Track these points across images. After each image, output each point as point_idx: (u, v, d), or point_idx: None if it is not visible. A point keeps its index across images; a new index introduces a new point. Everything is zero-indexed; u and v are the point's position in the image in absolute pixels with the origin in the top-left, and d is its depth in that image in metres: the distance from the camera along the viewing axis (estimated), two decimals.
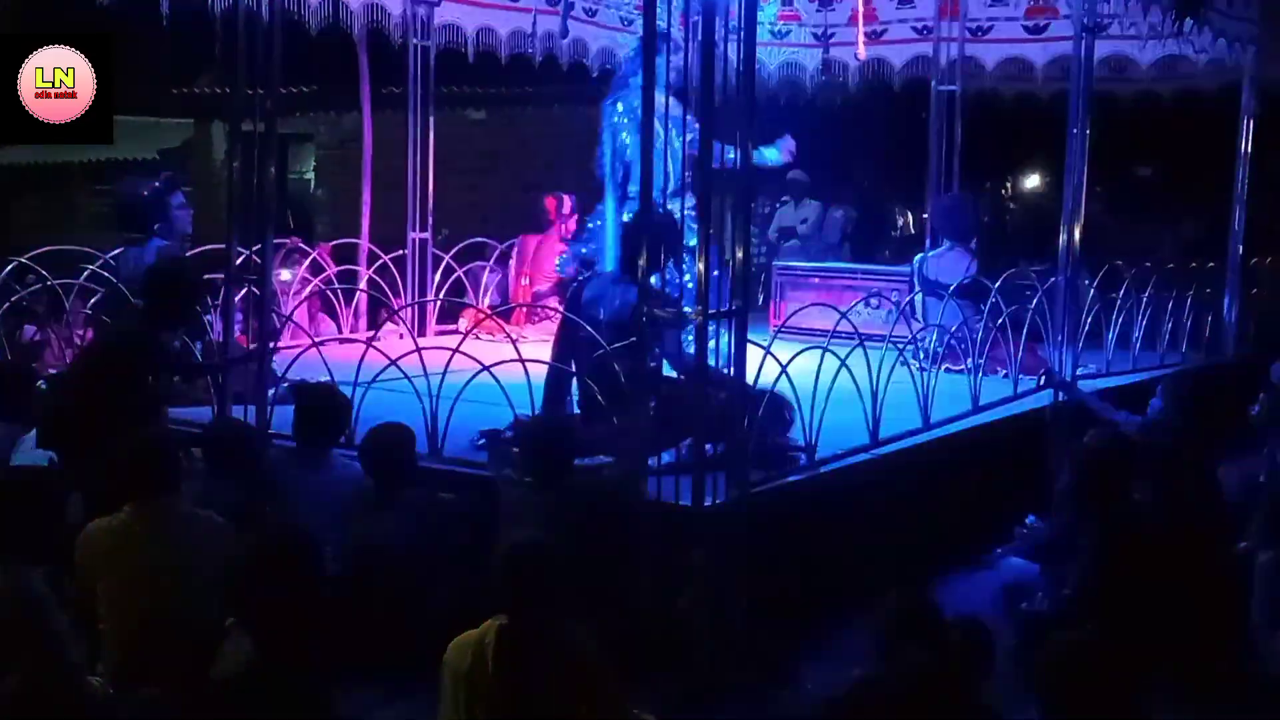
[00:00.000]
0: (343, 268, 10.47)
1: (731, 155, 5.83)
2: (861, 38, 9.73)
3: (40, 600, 4.31)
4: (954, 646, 4.41)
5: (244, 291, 7.43)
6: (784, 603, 6.00)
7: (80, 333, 8.27)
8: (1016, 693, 4.66)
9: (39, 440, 6.11)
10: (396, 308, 9.65)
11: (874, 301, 9.67)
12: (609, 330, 6.39)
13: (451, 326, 10.29)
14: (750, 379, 5.88)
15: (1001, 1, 11.02)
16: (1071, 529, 6.11)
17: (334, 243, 11.01)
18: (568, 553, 4.42)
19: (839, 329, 7.18)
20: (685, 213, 6.31)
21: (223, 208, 7.43)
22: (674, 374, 6.24)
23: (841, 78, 11.88)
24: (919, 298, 9.38)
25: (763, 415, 5.94)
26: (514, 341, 6.95)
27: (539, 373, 6.60)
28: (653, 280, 5.88)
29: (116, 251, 8.44)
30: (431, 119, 10.54)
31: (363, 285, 10.24)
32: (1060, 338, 8.31)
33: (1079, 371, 8.49)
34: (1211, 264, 11.17)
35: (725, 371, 5.80)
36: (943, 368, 7.77)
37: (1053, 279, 8.44)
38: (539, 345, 8.23)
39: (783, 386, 6.23)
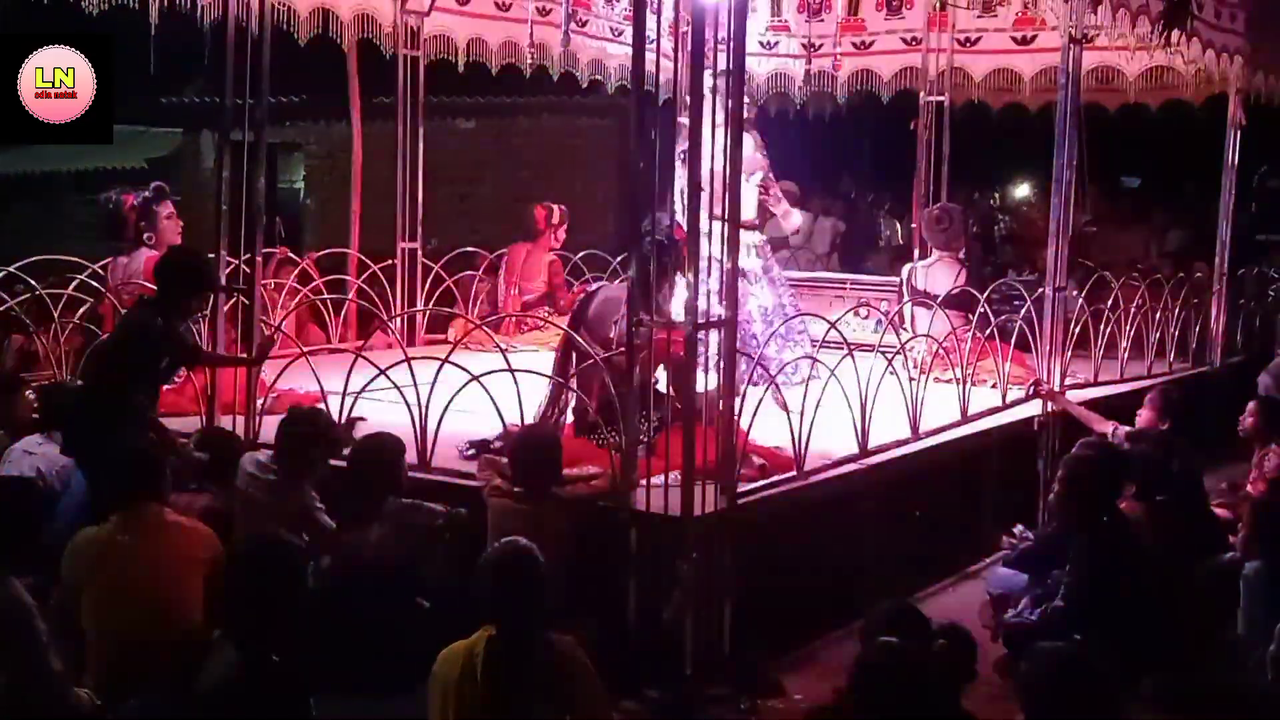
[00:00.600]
0: (332, 277, 10.46)
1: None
2: (837, 50, 9.74)
3: (24, 610, 4.31)
4: (937, 652, 4.41)
5: (232, 301, 7.45)
6: (771, 613, 6.01)
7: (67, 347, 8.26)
8: (1002, 702, 4.68)
9: (63, 445, 6.12)
10: (386, 318, 9.64)
11: (863, 311, 9.69)
12: (618, 345, 6.36)
13: (441, 336, 10.28)
14: (740, 388, 5.88)
15: (989, 13, 11.04)
16: (1059, 539, 6.13)
17: (323, 252, 11.00)
18: (555, 563, 4.42)
19: (828, 339, 7.19)
20: None
21: (212, 217, 7.42)
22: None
23: (830, 89, 11.89)
24: (908, 307, 9.40)
25: None
26: (503, 351, 6.94)
27: (528, 383, 6.60)
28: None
29: (105, 261, 8.43)
30: (421, 129, 10.53)
31: (352, 295, 10.23)
32: (1048, 348, 8.33)
33: (1067, 381, 8.50)
34: (1199, 274, 11.20)
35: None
36: (931, 378, 7.78)
37: (1040, 289, 8.46)
38: (528, 355, 8.24)
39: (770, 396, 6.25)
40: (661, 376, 6.14)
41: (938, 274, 9.52)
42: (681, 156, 6.38)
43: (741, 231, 6.54)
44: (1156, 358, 10.06)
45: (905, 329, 8.96)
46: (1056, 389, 8.25)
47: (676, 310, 5.86)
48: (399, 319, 9.93)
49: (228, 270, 7.32)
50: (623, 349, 5.99)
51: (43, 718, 4.30)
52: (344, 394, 6.56)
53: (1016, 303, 8.79)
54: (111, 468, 5.08)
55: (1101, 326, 9.42)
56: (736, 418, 5.87)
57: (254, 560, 4.04)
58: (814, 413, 6.40)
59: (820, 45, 11.48)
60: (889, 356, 7.35)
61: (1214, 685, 5.58)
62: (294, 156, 19.07)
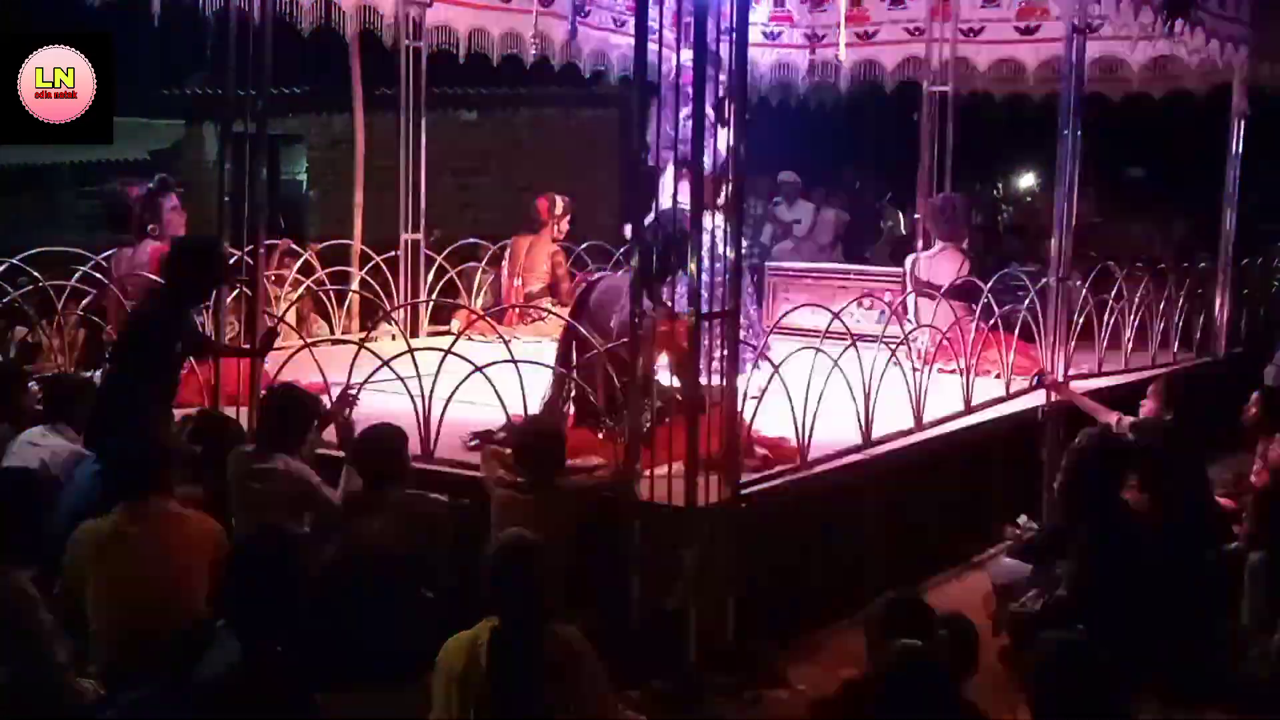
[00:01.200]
0: (335, 269, 10.46)
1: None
2: (844, 40, 9.72)
3: (28, 600, 4.31)
4: (941, 643, 4.41)
5: (235, 292, 7.45)
6: (775, 603, 6.01)
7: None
8: (1007, 693, 4.68)
9: (85, 440, 6.13)
10: (389, 309, 9.65)
11: (866, 302, 9.67)
12: (620, 335, 6.36)
13: (444, 328, 10.29)
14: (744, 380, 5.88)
15: (993, 2, 11.03)
16: (1063, 529, 6.13)
17: (326, 244, 11.00)
18: (559, 553, 4.42)
19: (831, 330, 7.19)
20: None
21: (214, 209, 7.42)
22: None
23: (833, 79, 11.88)
24: (911, 298, 9.39)
25: None
26: (506, 342, 6.93)
27: (531, 373, 6.60)
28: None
29: (109, 253, 8.43)
30: (423, 120, 10.53)
31: (355, 286, 10.23)
32: (1052, 338, 8.32)
33: (1071, 372, 8.49)
34: (1203, 264, 11.19)
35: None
36: (935, 368, 7.78)
37: (1044, 279, 8.45)
38: (531, 346, 8.24)
39: (775, 386, 6.24)
40: (664, 367, 6.14)
41: (941, 264, 9.51)
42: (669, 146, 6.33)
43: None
44: (1160, 348, 10.06)
45: (909, 320, 8.96)
46: (1060, 379, 8.24)
47: (681, 302, 5.87)
48: (402, 310, 9.93)
49: (231, 262, 7.31)
50: (624, 339, 5.99)
51: (46, 708, 4.30)
52: (347, 385, 6.56)
53: (1020, 293, 8.77)
54: (118, 459, 5.08)
55: (1105, 317, 9.42)
56: (739, 408, 5.86)
57: (256, 551, 4.04)
58: (818, 403, 6.39)
59: (823, 36, 11.49)
60: (892, 347, 7.34)
61: (1218, 675, 5.58)
62: (296, 148, 19.05)
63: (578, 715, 4.12)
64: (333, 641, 4.68)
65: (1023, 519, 6.95)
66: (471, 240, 11.54)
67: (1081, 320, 8.94)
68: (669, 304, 6.19)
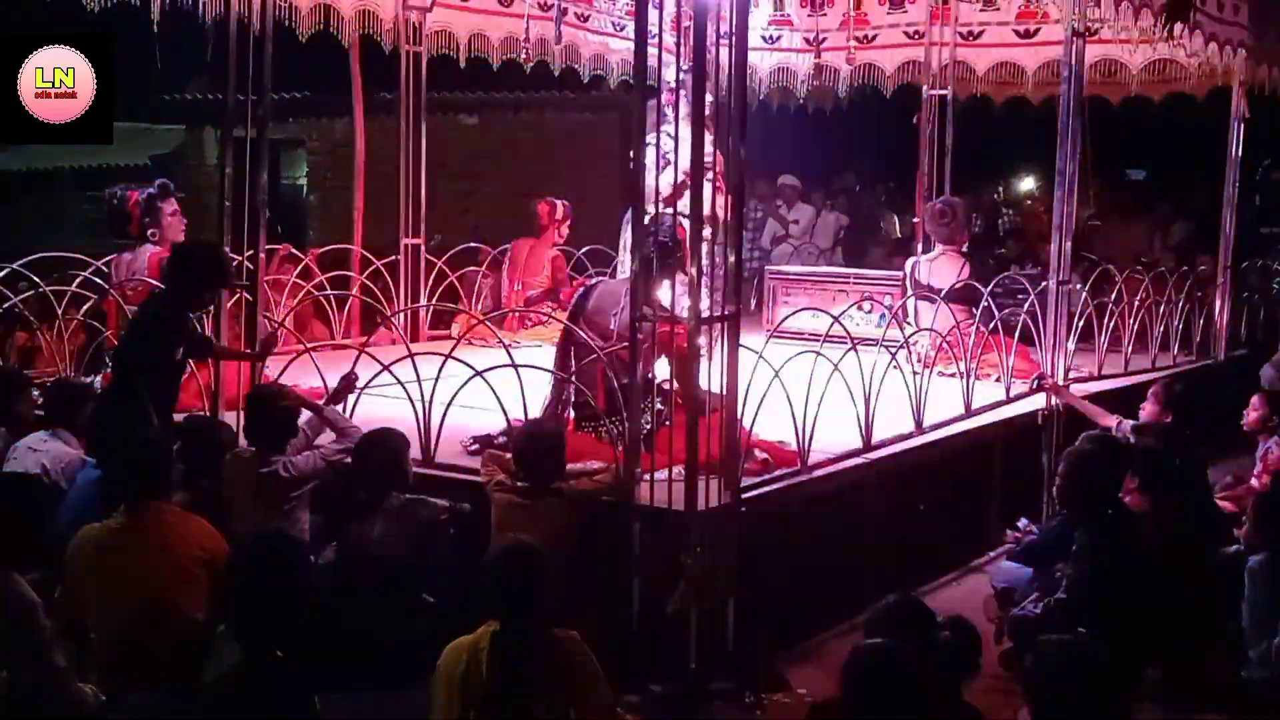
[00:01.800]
0: (335, 273, 10.47)
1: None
2: (851, 42, 9.73)
3: (28, 605, 4.31)
4: (942, 645, 4.42)
5: (236, 297, 7.45)
6: (775, 607, 6.01)
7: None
8: (1007, 696, 4.68)
9: (87, 445, 6.13)
10: (389, 313, 9.65)
11: (866, 305, 9.68)
12: (619, 339, 6.37)
13: (444, 332, 10.29)
14: (744, 383, 5.88)
15: (992, 6, 11.04)
16: (1063, 533, 6.13)
17: (326, 248, 11.00)
18: (559, 557, 4.42)
19: (831, 333, 7.19)
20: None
21: (214, 213, 7.43)
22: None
23: (833, 83, 11.89)
24: (911, 301, 9.40)
25: None
26: (506, 347, 6.94)
27: (531, 378, 6.60)
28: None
29: (109, 258, 8.43)
30: (423, 124, 10.54)
31: (355, 291, 10.24)
32: (1052, 341, 8.33)
33: (1071, 375, 8.49)
34: (1202, 266, 11.19)
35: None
36: (935, 372, 7.77)
37: (1044, 282, 8.46)
38: (532, 350, 8.24)
39: (775, 390, 6.24)
40: (663, 371, 6.14)
41: (941, 268, 9.51)
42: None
43: None
44: (1160, 351, 10.07)
45: (908, 323, 8.96)
46: (1060, 383, 8.24)
47: (680, 306, 5.87)
48: (402, 314, 9.94)
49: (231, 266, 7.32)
50: (623, 342, 6.00)
51: (47, 713, 4.31)
52: (351, 371, 6.58)
53: (1020, 296, 8.78)
54: (116, 464, 5.08)
55: (1105, 320, 9.42)
56: (739, 412, 5.87)
57: (257, 555, 4.04)
58: (818, 407, 6.39)
59: (823, 40, 11.50)
60: (893, 351, 7.35)
61: (1218, 678, 5.58)
62: (296, 153, 19.07)
63: (577, 719, 4.13)
64: (333, 646, 4.68)
65: (1023, 522, 6.95)
66: (472, 244, 11.54)
67: (1081, 323, 8.94)
68: (668, 308, 6.19)
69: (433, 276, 10.68)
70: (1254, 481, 7.40)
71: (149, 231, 8.13)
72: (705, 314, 5.65)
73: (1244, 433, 7.71)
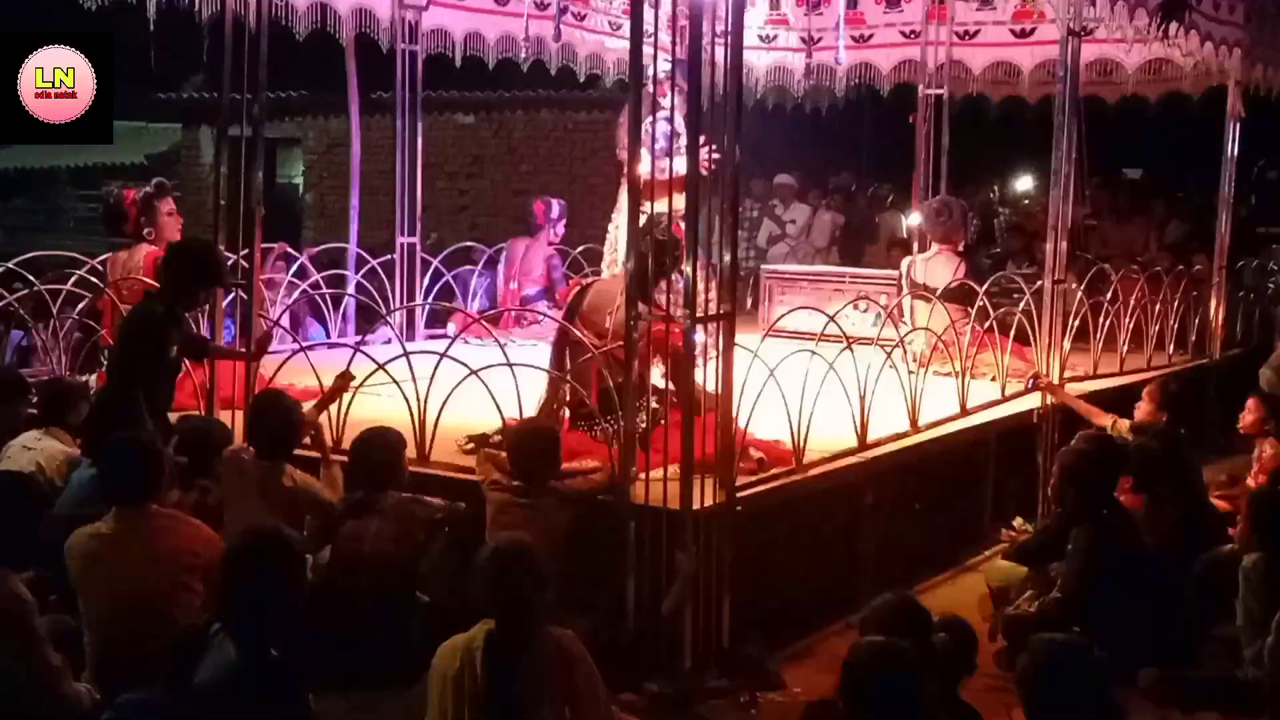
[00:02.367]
0: (331, 272, 10.46)
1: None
2: (843, 43, 9.72)
3: (22, 604, 4.31)
4: (939, 645, 4.42)
5: (231, 296, 7.45)
6: (771, 605, 6.01)
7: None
8: (1002, 694, 4.69)
9: (82, 445, 6.12)
10: (385, 312, 9.65)
11: (862, 305, 9.68)
12: (614, 338, 6.37)
13: (440, 331, 10.29)
14: (739, 382, 5.88)
15: (988, 6, 11.05)
16: (1058, 532, 6.14)
17: (322, 247, 11.00)
18: (554, 556, 4.42)
19: (827, 332, 7.19)
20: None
21: (210, 212, 7.42)
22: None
23: (829, 82, 11.89)
24: (907, 300, 9.40)
25: None
26: (502, 346, 6.94)
27: (527, 377, 6.60)
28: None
29: (104, 256, 8.42)
30: (419, 123, 10.54)
31: (351, 290, 10.23)
32: (1048, 340, 8.33)
33: (1066, 374, 8.50)
34: (1198, 266, 11.20)
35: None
36: (930, 371, 7.78)
37: (1040, 282, 8.46)
38: (526, 349, 8.24)
39: (770, 389, 6.25)
40: (658, 370, 6.14)
41: (937, 267, 9.52)
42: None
43: None
44: (1156, 350, 10.07)
45: (904, 322, 8.97)
46: (1056, 382, 8.25)
47: (675, 305, 5.87)
48: (398, 313, 9.94)
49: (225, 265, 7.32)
50: (618, 341, 6.00)
51: (42, 712, 4.30)
52: (346, 369, 6.59)
53: (1016, 295, 8.78)
54: (112, 464, 5.07)
55: (1101, 319, 9.43)
56: (735, 411, 5.87)
57: (252, 554, 4.04)
58: (813, 406, 6.40)
59: (819, 39, 11.50)
60: (888, 350, 7.35)
61: (1212, 677, 5.59)
62: (293, 151, 19.08)
63: (573, 718, 4.13)
64: (328, 645, 4.68)
65: (1018, 521, 6.96)
66: (467, 243, 11.54)
67: (1077, 322, 8.95)
68: (664, 307, 6.19)
69: (428, 275, 10.69)
70: (1250, 481, 7.41)
71: (145, 230, 8.12)
72: (701, 313, 5.65)
73: (1240, 433, 7.72)
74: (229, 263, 7.22)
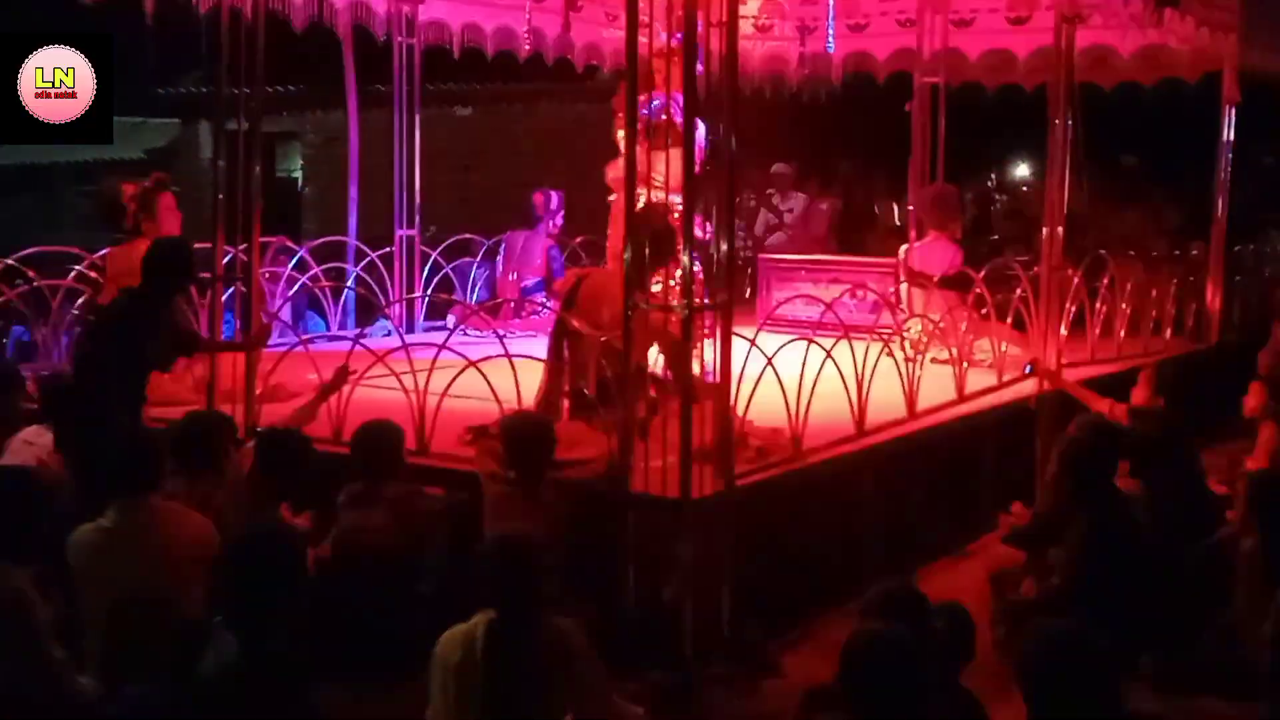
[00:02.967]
0: (330, 265, 10.48)
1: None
2: (833, 32, 9.72)
3: (25, 599, 4.33)
4: (937, 632, 4.44)
5: (231, 290, 7.46)
6: (770, 593, 6.04)
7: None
8: (1001, 680, 4.70)
9: (55, 441, 6.12)
10: (384, 304, 9.68)
11: (860, 293, 9.70)
12: (611, 328, 6.38)
13: (440, 323, 10.31)
14: (737, 371, 5.90)
15: None
16: (1057, 517, 6.15)
17: (321, 240, 11.02)
18: (553, 547, 4.44)
19: (825, 320, 7.20)
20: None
21: (210, 207, 7.44)
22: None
23: (825, 71, 11.89)
24: (904, 288, 9.41)
25: None
26: (501, 337, 6.96)
27: (528, 368, 6.62)
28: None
29: (104, 251, 8.44)
30: (417, 116, 10.55)
31: (350, 283, 10.25)
32: (1045, 327, 8.35)
33: (1064, 360, 8.52)
34: (1195, 251, 11.21)
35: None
36: (928, 358, 7.80)
37: (1037, 268, 8.48)
38: (526, 341, 8.26)
39: (769, 377, 6.26)
40: (657, 359, 6.16)
41: (933, 254, 9.53)
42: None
43: None
44: (1153, 336, 10.09)
45: (901, 309, 8.98)
46: (1053, 368, 8.26)
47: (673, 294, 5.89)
48: (397, 306, 9.95)
49: (226, 259, 7.33)
50: (616, 331, 6.02)
51: (46, 706, 4.32)
52: (343, 380, 6.60)
53: (1013, 282, 8.80)
54: (107, 459, 5.08)
55: (1098, 305, 9.44)
56: (733, 400, 5.89)
57: (253, 547, 4.06)
58: (811, 394, 6.42)
59: (814, 28, 11.49)
60: (885, 337, 7.37)
61: (1212, 662, 5.60)
62: (291, 145, 19.08)
63: (575, 707, 4.15)
64: (330, 637, 4.70)
65: (1016, 507, 6.98)
66: (467, 235, 11.55)
67: (1074, 309, 8.96)
68: (662, 296, 6.21)
69: (427, 268, 10.70)
70: (1249, 465, 7.42)
71: (144, 225, 8.13)
72: (699, 302, 5.67)
73: (1242, 418, 7.73)
74: (228, 257, 7.24)
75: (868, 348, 7.02)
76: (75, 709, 4.36)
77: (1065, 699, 3.81)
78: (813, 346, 6.70)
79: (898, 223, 13.15)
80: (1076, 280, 9.17)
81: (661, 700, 5.29)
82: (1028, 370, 8.33)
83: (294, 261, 10.28)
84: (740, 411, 6.05)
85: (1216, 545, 6.21)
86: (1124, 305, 9.73)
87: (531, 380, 6.68)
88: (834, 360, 6.72)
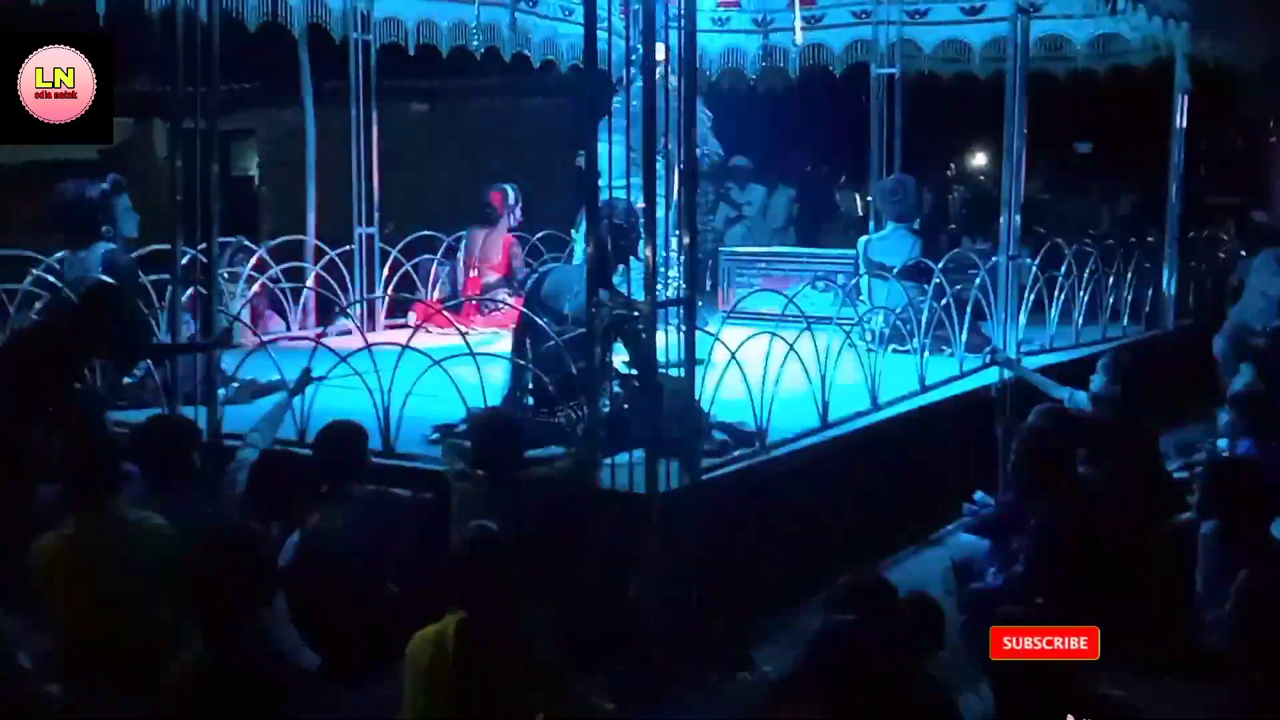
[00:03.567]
0: (289, 264, 10.42)
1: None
2: (799, 23, 9.76)
3: None
4: (904, 621, 4.47)
5: (190, 291, 7.41)
6: (738, 586, 6.05)
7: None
8: (967, 668, 4.74)
9: None
10: (345, 304, 9.63)
11: (820, 285, 9.73)
12: (574, 323, 6.39)
13: (401, 321, 10.28)
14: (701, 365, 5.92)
15: None
16: (1019, 505, 6.20)
17: (279, 239, 10.95)
18: (521, 544, 4.44)
19: (787, 313, 7.22)
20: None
21: (165, 207, 7.38)
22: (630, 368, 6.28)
23: (782, 64, 11.92)
24: (864, 280, 9.45)
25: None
26: (463, 335, 6.94)
27: (492, 366, 6.61)
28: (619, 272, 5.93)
29: (59, 254, 8.36)
30: (374, 113, 10.50)
31: (310, 282, 10.20)
32: (1004, 315, 8.41)
33: (1023, 348, 8.58)
34: (1150, 238, 11.32)
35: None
36: (889, 349, 7.84)
37: (995, 258, 8.53)
38: (490, 338, 8.25)
39: (733, 372, 6.28)
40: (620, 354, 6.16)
41: (893, 245, 9.58)
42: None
43: None
44: (1110, 322, 10.17)
45: (862, 301, 9.02)
46: (1012, 356, 8.32)
47: (635, 290, 5.89)
48: (358, 305, 9.91)
49: (184, 260, 7.27)
50: (579, 327, 6.01)
51: (10, 714, 4.29)
52: (305, 381, 6.57)
53: (971, 272, 8.86)
54: (64, 466, 5.03)
55: (1056, 293, 9.52)
56: (697, 394, 5.90)
57: (221, 550, 4.04)
58: (775, 387, 6.44)
59: (772, 20, 11.53)
60: (847, 329, 7.40)
61: (1173, 645, 5.66)
62: (247, 143, 18.94)
63: (544, 705, 4.16)
64: (299, 638, 4.69)
65: (980, 495, 7.03)
66: (426, 232, 11.51)
67: (1032, 297, 9.02)
68: (624, 292, 6.22)
69: (388, 265, 10.66)
70: (1205, 450, 7.50)
71: (103, 228, 8.06)
72: (661, 297, 5.68)
73: (1193, 400, 7.80)
74: (186, 258, 7.18)
75: (830, 339, 7.05)
76: (42, 717, 4.33)
77: (1031, 686, 3.85)
78: (776, 339, 6.71)
79: (860, 214, 13.20)
80: (1034, 268, 9.24)
81: (630, 696, 5.30)
82: (987, 359, 8.39)
83: (251, 261, 10.21)
84: (705, 405, 6.06)
85: (1176, 529, 6.28)
86: (1081, 292, 9.81)
87: (496, 378, 6.67)
88: (797, 353, 6.74)
